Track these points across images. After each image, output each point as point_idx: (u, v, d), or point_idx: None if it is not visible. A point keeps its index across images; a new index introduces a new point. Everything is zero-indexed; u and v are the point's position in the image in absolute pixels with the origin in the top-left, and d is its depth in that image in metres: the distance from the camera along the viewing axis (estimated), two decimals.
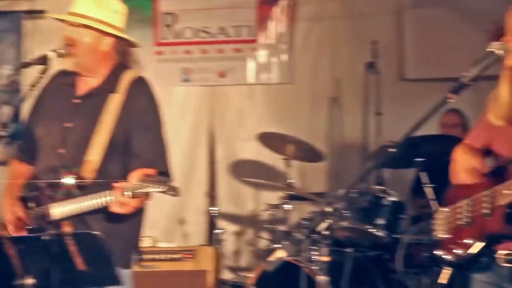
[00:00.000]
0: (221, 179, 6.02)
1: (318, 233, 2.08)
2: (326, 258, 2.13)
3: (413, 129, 2.25)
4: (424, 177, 4.03)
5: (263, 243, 5.42)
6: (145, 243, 3.19)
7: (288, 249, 2.13)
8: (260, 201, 5.86)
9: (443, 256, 2.39)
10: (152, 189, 2.68)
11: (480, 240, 2.27)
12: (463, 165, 2.50)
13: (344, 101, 5.93)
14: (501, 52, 2.26)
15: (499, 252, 2.26)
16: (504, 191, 2.20)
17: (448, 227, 2.41)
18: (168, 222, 5.85)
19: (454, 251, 2.35)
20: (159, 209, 5.06)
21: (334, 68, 5.94)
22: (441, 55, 5.78)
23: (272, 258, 2.11)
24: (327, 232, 2.08)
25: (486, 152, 2.52)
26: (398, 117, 5.59)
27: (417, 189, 4.87)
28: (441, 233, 2.43)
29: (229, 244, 5.67)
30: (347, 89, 5.90)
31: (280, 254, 2.09)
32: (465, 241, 2.31)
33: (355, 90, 5.70)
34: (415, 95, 5.76)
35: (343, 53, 5.96)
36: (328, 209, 2.13)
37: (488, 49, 2.29)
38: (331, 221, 2.15)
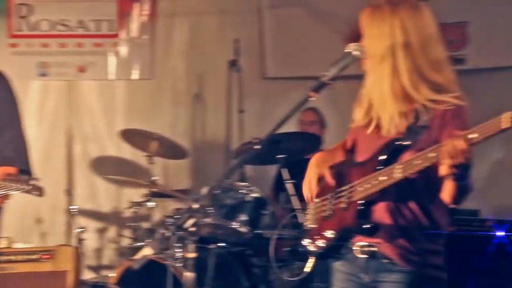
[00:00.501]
0: (81, 176, 5.87)
1: (185, 230, 2.07)
2: (192, 255, 2.13)
3: (277, 126, 2.29)
4: (285, 173, 4.14)
5: (126, 241, 5.34)
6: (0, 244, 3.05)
7: (154, 247, 2.11)
8: (123, 198, 5.78)
9: (307, 246, 2.47)
10: (14, 189, 2.57)
11: (337, 233, 2.37)
12: (308, 177, 2.59)
13: (207, 98, 5.97)
14: (357, 53, 2.34)
15: (356, 244, 2.37)
16: (359, 188, 2.31)
17: (315, 218, 2.50)
18: (24, 221, 5.61)
19: (316, 241, 2.44)
20: (13, 208, 4.84)
21: (197, 64, 5.96)
22: (299, 55, 5.95)
23: (138, 256, 2.09)
24: (193, 229, 2.08)
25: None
26: (260, 114, 5.73)
27: (279, 185, 5.01)
28: (309, 224, 2.52)
29: (90, 243, 5.53)
30: (210, 86, 5.94)
31: (146, 252, 2.07)
32: (324, 232, 2.41)
33: (218, 87, 5.75)
34: (276, 93, 5.92)
35: (205, 50, 5.99)
36: (195, 206, 2.13)
37: (345, 50, 2.36)
38: (197, 218, 2.16)
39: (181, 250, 3.99)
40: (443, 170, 2.06)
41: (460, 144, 1.98)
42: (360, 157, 2.44)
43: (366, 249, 2.36)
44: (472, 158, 2.06)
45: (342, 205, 2.37)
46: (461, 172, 2.06)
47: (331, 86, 2.37)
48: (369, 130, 2.40)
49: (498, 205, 4.95)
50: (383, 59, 2.32)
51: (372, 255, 2.35)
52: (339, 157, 2.57)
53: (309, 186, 2.57)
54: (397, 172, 2.18)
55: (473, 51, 5.39)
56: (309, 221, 2.54)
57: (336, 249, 2.43)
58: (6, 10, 5.82)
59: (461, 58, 5.45)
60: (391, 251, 2.32)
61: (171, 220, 4.26)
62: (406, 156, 2.22)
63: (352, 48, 2.35)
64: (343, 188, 2.40)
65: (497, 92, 5.11)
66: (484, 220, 4.50)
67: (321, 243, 2.43)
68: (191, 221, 2.13)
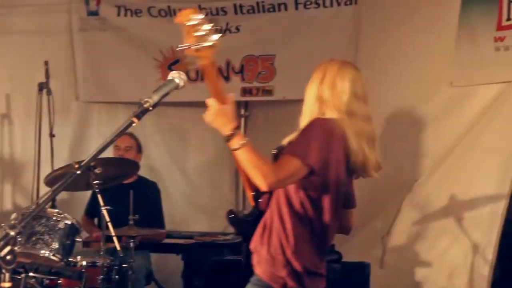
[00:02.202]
0: None
1: (1, 258, 1.94)
2: (8, 285, 2.01)
3: (100, 151, 2.24)
4: (100, 199, 4.04)
5: None
6: None
7: None
8: None
9: None
10: None
11: None
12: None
13: (16, 119, 5.71)
14: (179, 81, 2.33)
15: None
16: None
17: None
18: None
19: None
20: None
21: (6, 83, 5.66)
22: (112, 79, 5.90)
23: None
24: (9, 257, 1.95)
25: None
26: (71, 138, 5.57)
27: (93, 211, 4.87)
28: None
29: None
30: (19, 108, 5.67)
31: None
32: None
33: (28, 109, 5.49)
34: (89, 117, 5.80)
35: (16, 69, 5.71)
36: (11, 233, 2.01)
37: (168, 77, 2.36)
38: (13, 245, 2.04)
39: None
40: None
41: None
42: None
43: None
44: None
45: None
46: None
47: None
48: None
49: None
50: None
51: None
52: None
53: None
54: None
55: (279, 83, 5.68)
56: None
57: None
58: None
59: (269, 89, 5.73)
60: None
61: None
62: None
63: (174, 75, 2.37)
64: None
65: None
66: None
67: None
68: (7, 249, 1.99)
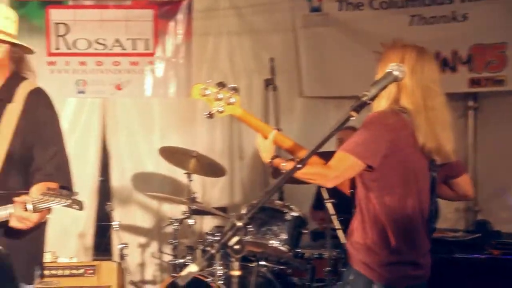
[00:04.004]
0: (120, 192, 5.88)
1: (230, 247, 2.03)
2: (236, 273, 2.10)
3: (319, 146, 2.28)
4: (324, 193, 4.08)
5: (167, 258, 5.33)
6: (45, 258, 3.08)
7: (200, 264, 2.08)
8: (162, 215, 5.78)
9: None
10: (55, 203, 2.58)
11: None
12: None
13: None
14: (398, 73, 2.37)
15: None
16: None
17: None
18: (65, 236, 5.63)
19: None
20: (54, 223, 4.88)
21: (233, 83, 5.93)
22: (335, 74, 5.93)
23: (184, 272, 2.06)
24: (238, 247, 2.04)
25: None
26: (297, 133, 5.69)
27: (318, 204, 4.95)
28: None
29: (132, 259, 5.53)
30: (245, 105, 5.91)
31: (192, 268, 2.03)
32: None
33: (253, 106, 5.73)
34: (313, 112, 5.88)
35: (240, 68, 6.01)
36: (239, 224, 2.10)
37: (387, 70, 2.40)
38: (240, 235, 2.13)
39: (223, 268, 3.98)
40: None
41: None
42: None
43: None
44: None
45: None
46: None
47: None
48: None
49: None
50: None
51: None
52: None
53: None
54: None
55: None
56: None
57: None
58: (45, 29, 5.88)
59: (500, 79, 5.39)
60: None
61: (213, 237, 4.25)
62: None
63: (393, 68, 2.39)
64: None
65: None
66: None
67: None
68: (235, 239, 2.09)
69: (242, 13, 6.04)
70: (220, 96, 2.78)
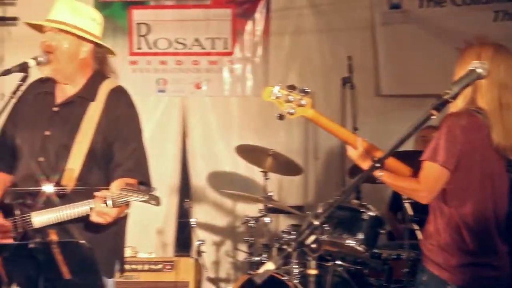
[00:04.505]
0: (197, 190, 5.97)
1: (307, 246, 2.03)
2: (313, 272, 2.10)
3: (398, 144, 2.27)
4: None
5: (241, 255, 5.37)
6: (125, 253, 3.16)
7: (276, 262, 2.09)
8: (238, 213, 5.83)
9: None
10: (134, 198, 2.64)
11: None
12: None
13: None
14: (481, 70, 2.32)
15: None
16: None
17: None
18: (145, 232, 5.77)
19: None
20: (134, 219, 5.01)
21: (309, 81, 5.95)
22: (413, 72, 5.83)
23: (261, 270, 2.07)
24: (315, 246, 2.04)
25: None
26: (374, 132, 5.62)
27: (395, 204, 4.88)
28: None
29: (207, 255, 5.60)
30: (322, 103, 5.91)
31: (268, 266, 2.05)
32: None
33: (330, 104, 5.69)
34: (390, 111, 5.79)
35: (317, 67, 5.99)
36: (316, 222, 2.11)
37: (470, 67, 2.38)
38: (317, 234, 2.13)
39: (298, 266, 3.98)
40: None
41: None
42: None
43: None
44: None
45: None
46: None
47: None
48: None
49: None
50: None
51: None
52: None
53: None
54: None
55: None
56: None
57: None
58: (128, 29, 6.03)
59: None
60: None
61: (289, 236, 4.25)
62: None
63: (476, 65, 2.33)
64: None
65: None
66: None
67: None
68: (312, 238, 2.09)
69: (320, 11, 6.01)
70: (290, 98, 2.80)
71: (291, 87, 2.82)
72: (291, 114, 2.81)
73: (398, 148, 2.28)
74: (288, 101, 2.80)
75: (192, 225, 4.86)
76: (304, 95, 2.81)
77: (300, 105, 2.80)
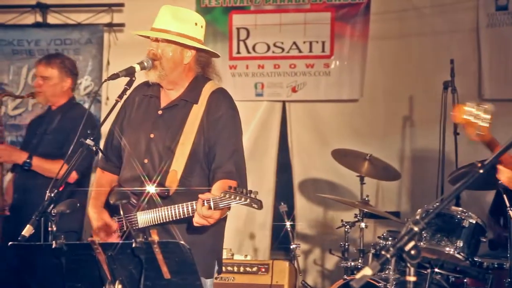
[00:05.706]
0: (293, 193, 6.01)
1: (406, 252, 2.01)
2: (412, 279, 2.07)
3: (503, 150, 2.19)
4: (506, 199, 3.89)
5: (329, 264, 5.36)
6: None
7: (374, 268, 2.07)
8: (334, 217, 5.82)
9: None
10: (236, 201, 2.66)
11: None
12: None
13: (418, 120, 5.86)
14: None
15: None
16: None
17: None
18: (241, 234, 5.86)
19: None
20: (231, 221, 5.09)
21: (408, 85, 5.86)
22: None
23: (358, 275, 2.06)
24: (413, 252, 2.01)
25: None
26: None
27: (497, 211, 4.73)
28: None
29: (301, 259, 5.62)
30: (421, 107, 5.81)
31: (366, 272, 2.04)
32: None
33: (430, 108, 5.58)
34: (493, 116, 5.60)
35: (417, 71, 5.88)
36: (415, 228, 2.08)
37: None
38: (416, 241, 2.10)
39: (394, 273, 3.93)
40: None
41: None
42: None
43: None
44: None
45: None
46: None
47: None
48: None
49: None
50: None
51: None
52: None
53: None
54: None
55: None
56: None
57: None
58: (228, 34, 6.13)
59: None
60: None
61: (385, 242, 4.20)
62: None
63: None
64: None
65: None
66: None
67: None
68: (411, 244, 2.06)
69: (422, 14, 5.91)
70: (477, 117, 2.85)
71: (479, 106, 2.85)
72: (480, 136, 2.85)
73: (505, 152, 2.23)
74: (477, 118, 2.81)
75: (288, 229, 4.88)
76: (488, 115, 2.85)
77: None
